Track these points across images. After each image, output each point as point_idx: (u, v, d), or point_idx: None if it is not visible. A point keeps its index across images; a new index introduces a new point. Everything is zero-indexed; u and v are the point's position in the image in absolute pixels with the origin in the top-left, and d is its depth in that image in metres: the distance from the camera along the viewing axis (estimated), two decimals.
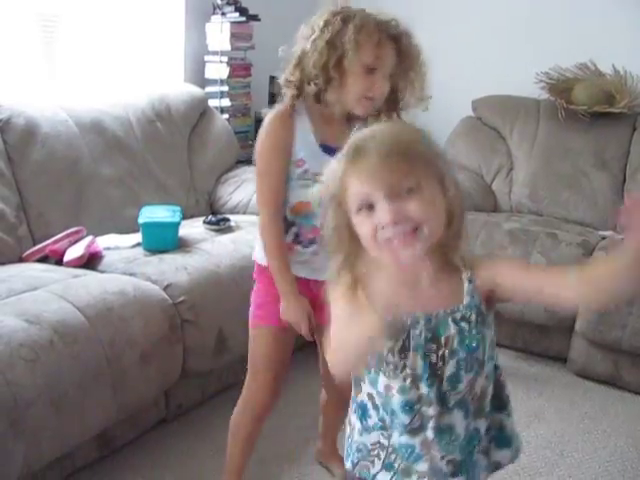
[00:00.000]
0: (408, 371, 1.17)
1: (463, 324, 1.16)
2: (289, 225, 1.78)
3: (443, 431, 1.19)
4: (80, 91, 3.15)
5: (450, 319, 1.16)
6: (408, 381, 1.17)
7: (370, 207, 1.12)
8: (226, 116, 3.71)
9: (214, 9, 3.76)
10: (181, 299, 2.35)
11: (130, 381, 2.14)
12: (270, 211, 1.77)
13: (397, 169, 1.10)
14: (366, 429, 1.26)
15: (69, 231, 2.63)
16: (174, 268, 2.46)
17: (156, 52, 3.66)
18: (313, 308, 1.80)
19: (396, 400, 1.19)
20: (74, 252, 2.52)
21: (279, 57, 1.79)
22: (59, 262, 2.52)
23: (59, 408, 1.89)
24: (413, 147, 1.14)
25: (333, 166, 1.20)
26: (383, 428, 1.23)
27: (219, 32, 3.69)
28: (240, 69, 3.80)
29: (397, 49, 1.74)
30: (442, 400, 1.18)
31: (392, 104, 1.80)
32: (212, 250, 2.63)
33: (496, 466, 1.28)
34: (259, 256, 1.89)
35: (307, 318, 1.78)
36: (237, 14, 3.71)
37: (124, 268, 2.47)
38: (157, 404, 2.42)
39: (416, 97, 1.82)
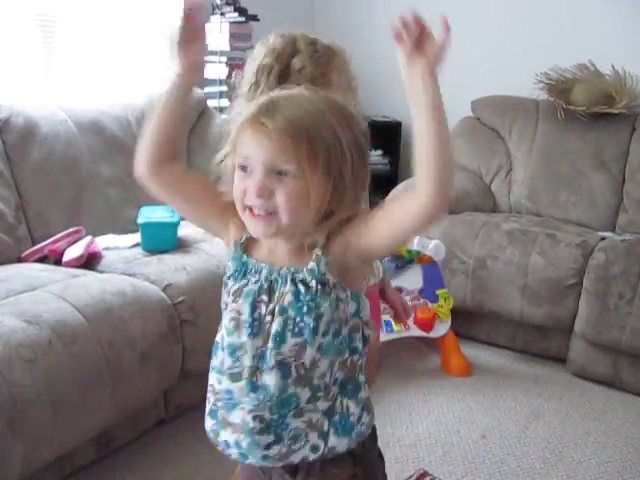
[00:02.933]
0: (234, 314, 1.18)
1: (301, 286, 1.14)
2: None
3: (256, 386, 1.17)
4: (79, 91, 3.16)
5: (290, 277, 1.15)
6: (232, 324, 1.18)
7: (246, 169, 1.12)
8: (225, 116, 3.70)
9: (213, 9, 3.76)
10: (180, 299, 2.35)
11: (129, 381, 2.14)
12: None
13: (285, 148, 1.08)
14: (210, 369, 1.28)
15: (68, 231, 2.63)
16: (173, 268, 2.45)
17: (154, 51, 3.65)
18: None
19: (225, 341, 1.21)
20: (73, 252, 2.52)
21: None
22: (58, 262, 2.52)
23: (58, 408, 1.89)
24: (316, 132, 1.09)
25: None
26: (220, 372, 1.24)
27: (218, 32, 3.69)
28: (239, 69, 3.79)
29: None
30: (262, 355, 1.16)
31: None
32: (211, 250, 2.63)
33: (330, 450, 1.20)
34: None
35: None
36: (236, 14, 3.71)
37: (123, 268, 2.47)
38: (156, 405, 2.42)
39: None
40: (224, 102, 3.74)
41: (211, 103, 3.67)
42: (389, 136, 4.30)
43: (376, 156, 4.27)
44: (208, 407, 1.28)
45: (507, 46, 4.03)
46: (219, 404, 1.25)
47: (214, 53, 3.74)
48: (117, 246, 2.67)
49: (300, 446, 1.18)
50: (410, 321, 2.95)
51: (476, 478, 2.27)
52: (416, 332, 2.99)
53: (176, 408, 2.51)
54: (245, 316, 1.17)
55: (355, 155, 1.12)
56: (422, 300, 3.00)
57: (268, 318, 1.15)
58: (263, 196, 1.10)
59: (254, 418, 1.17)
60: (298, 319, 1.14)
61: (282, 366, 1.15)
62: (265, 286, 1.16)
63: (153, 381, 2.25)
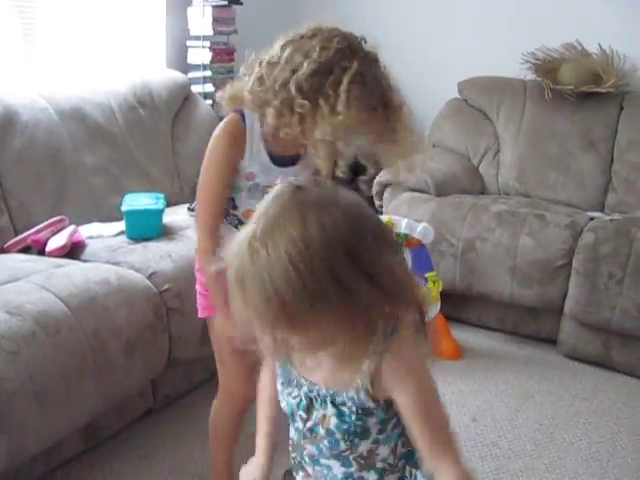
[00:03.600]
0: (287, 409, 1.17)
1: (343, 408, 1.09)
2: (239, 225, 1.68)
3: (320, 464, 1.17)
4: (60, 78, 3.09)
5: (329, 400, 1.10)
6: (288, 413, 1.18)
7: None
8: (209, 102, 3.66)
9: None
10: (166, 287, 2.32)
11: (115, 371, 2.11)
12: (207, 224, 1.66)
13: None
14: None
15: (51, 220, 2.59)
16: (158, 256, 2.42)
17: (137, 37, 3.60)
18: None
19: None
20: (56, 242, 2.48)
21: (246, 63, 1.62)
22: (41, 252, 2.48)
23: (43, 400, 1.86)
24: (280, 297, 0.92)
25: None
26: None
27: (201, 16, 3.65)
28: (223, 54, 3.75)
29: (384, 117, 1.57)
30: (316, 449, 1.15)
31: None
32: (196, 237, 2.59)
33: None
34: None
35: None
36: None
37: (107, 257, 2.44)
38: (144, 394, 2.40)
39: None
40: (208, 87, 3.70)
41: (195, 88, 3.63)
42: None
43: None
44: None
45: (493, 26, 3.98)
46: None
47: (197, 38, 3.69)
48: (101, 235, 2.63)
49: None
50: None
51: (467, 461, 2.23)
52: None
53: (164, 397, 2.49)
54: (289, 421, 1.18)
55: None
56: None
57: (307, 434, 1.14)
58: None
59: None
60: (346, 435, 1.10)
61: (339, 459, 1.14)
62: (304, 403, 1.13)
63: (140, 370, 2.22)
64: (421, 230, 2.91)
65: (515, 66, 3.72)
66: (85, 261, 2.43)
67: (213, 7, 3.64)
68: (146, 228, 2.60)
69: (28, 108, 2.75)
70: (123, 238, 2.60)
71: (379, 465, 1.15)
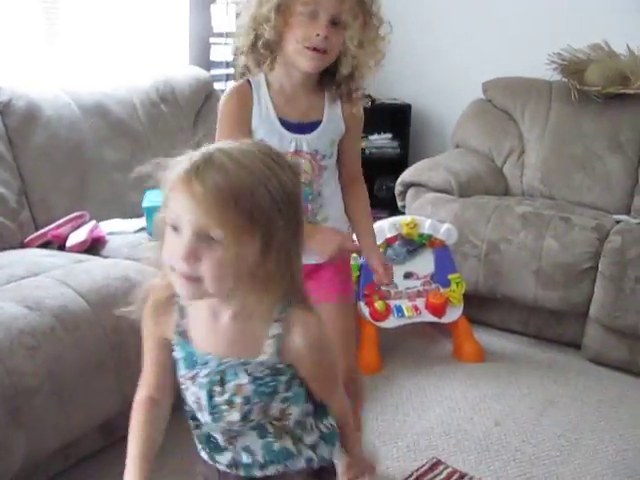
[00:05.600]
0: (195, 398, 1.16)
1: (258, 373, 1.12)
2: None
3: (241, 451, 1.20)
4: (83, 74, 3.08)
5: (242, 369, 1.12)
6: (195, 406, 1.18)
7: (177, 229, 1.04)
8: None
9: None
10: None
11: (134, 369, 2.07)
12: None
13: (214, 213, 0.99)
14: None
15: (72, 216, 2.58)
16: None
17: (160, 34, 3.59)
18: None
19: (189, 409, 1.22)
20: (77, 237, 2.47)
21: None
22: (61, 247, 2.47)
23: (61, 397, 1.84)
24: (248, 197, 1.00)
25: (175, 166, 1.08)
26: (194, 418, 1.23)
27: (224, 14, 3.63)
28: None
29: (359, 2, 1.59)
30: (230, 430, 1.17)
31: (350, 81, 1.69)
32: None
33: (321, 460, 1.24)
34: None
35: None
36: None
37: (128, 253, 2.42)
38: None
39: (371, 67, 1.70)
40: (230, 85, 3.67)
41: (217, 86, 3.61)
42: (398, 119, 4.21)
43: (385, 139, 4.19)
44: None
45: (519, 26, 3.94)
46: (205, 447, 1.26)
47: (220, 35, 3.67)
48: (122, 231, 2.62)
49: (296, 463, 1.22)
50: (422, 306, 2.90)
51: (490, 466, 2.22)
52: (428, 317, 2.92)
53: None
54: (204, 402, 1.15)
55: (289, 217, 1.05)
56: (434, 285, 2.94)
57: (225, 407, 1.14)
58: (188, 261, 1.02)
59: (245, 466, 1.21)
60: (259, 400, 1.13)
61: (255, 427, 1.17)
62: (217, 379, 1.13)
63: None
64: (444, 231, 2.87)
65: (541, 67, 3.67)
66: (105, 257, 2.41)
67: (236, 4, 3.62)
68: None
69: (51, 103, 2.74)
70: (144, 234, 2.58)
71: (295, 430, 1.19)
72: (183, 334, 1.16)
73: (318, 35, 1.56)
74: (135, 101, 3.09)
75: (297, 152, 1.67)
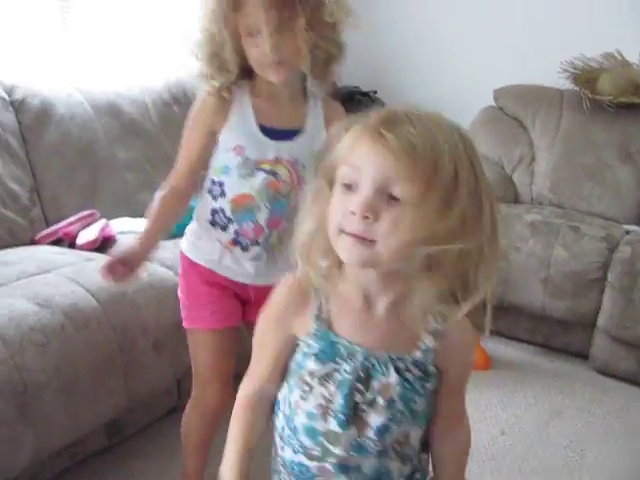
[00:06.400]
0: (322, 400, 1.04)
1: (408, 375, 1.03)
2: (227, 222, 1.64)
3: (347, 470, 1.06)
4: (96, 73, 3.10)
5: (392, 366, 1.03)
6: (319, 411, 1.05)
7: (351, 188, 0.97)
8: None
9: None
10: None
11: (142, 368, 2.10)
12: (173, 184, 1.70)
13: (403, 167, 0.92)
14: (273, 429, 1.15)
15: (82, 214, 2.59)
16: None
17: (173, 35, 3.59)
18: (247, 305, 1.72)
19: (300, 420, 1.08)
20: (87, 235, 2.48)
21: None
22: (72, 245, 2.48)
23: (70, 394, 1.85)
24: (437, 156, 0.93)
25: (351, 126, 1.01)
26: (290, 445, 1.10)
27: None
28: None
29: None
30: (358, 446, 1.05)
31: (323, 65, 1.58)
32: None
33: None
34: (184, 246, 1.78)
35: None
36: None
37: None
38: (169, 392, 2.37)
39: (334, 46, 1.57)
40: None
41: None
42: (364, 106, 4.19)
43: None
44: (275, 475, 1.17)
45: (531, 34, 3.93)
46: (281, 468, 1.14)
47: None
48: (132, 230, 2.62)
49: None
50: None
51: (496, 476, 2.21)
52: None
53: (188, 396, 2.47)
54: (337, 406, 1.03)
55: (474, 202, 0.97)
56: None
57: (364, 407, 1.03)
58: (366, 219, 0.93)
59: None
60: (405, 409, 1.04)
61: (382, 453, 1.06)
62: (362, 375, 1.03)
63: (166, 368, 2.20)
64: None
65: (552, 75, 3.66)
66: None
67: None
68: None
69: (64, 101, 2.75)
70: None
71: (407, 452, 1.09)
72: (326, 322, 1.05)
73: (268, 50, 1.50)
74: (147, 101, 3.10)
75: (277, 160, 1.59)
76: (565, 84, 3.68)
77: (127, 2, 3.35)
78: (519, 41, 3.96)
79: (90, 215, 2.60)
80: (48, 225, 2.58)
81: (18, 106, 2.61)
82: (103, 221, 2.58)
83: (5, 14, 2.88)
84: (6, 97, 2.61)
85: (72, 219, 2.56)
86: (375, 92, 4.11)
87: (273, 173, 1.59)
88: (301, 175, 1.61)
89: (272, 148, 1.59)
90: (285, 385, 1.12)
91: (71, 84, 2.85)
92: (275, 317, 1.10)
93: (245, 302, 1.74)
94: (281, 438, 1.13)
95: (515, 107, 3.76)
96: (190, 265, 1.75)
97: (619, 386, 2.83)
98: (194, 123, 1.66)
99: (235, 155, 1.59)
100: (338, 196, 0.99)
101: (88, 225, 2.55)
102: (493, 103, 3.86)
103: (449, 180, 0.94)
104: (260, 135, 1.59)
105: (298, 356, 1.08)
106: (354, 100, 4.01)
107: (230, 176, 1.61)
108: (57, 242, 2.51)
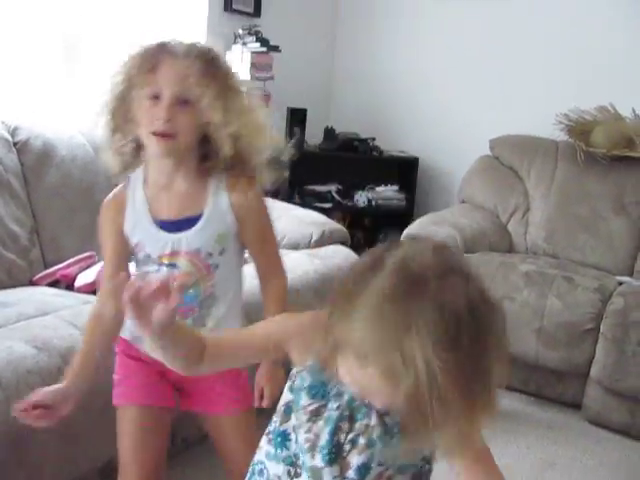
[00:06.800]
0: (311, 435, 1.07)
1: (388, 420, 1.04)
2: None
3: None
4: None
5: (374, 411, 1.04)
6: (307, 445, 1.07)
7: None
8: None
9: (235, 38, 3.77)
10: None
11: None
12: (97, 305, 1.66)
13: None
14: (276, 457, 1.14)
15: (81, 256, 2.60)
16: None
17: None
18: (180, 390, 1.67)
19: (282, 455, 1.12)
20: (85, 278, 2.49)
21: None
22: (69, 287, 2.49)
23: (64, 437, 1.84)
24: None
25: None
26: (293, 464, 1.12)
27: (240, 61, 3.70)
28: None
29: (203, 71, 1.46)
30: None
31: (239, 163, 1.53)
32: None
33: None
34: None
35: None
36: (258, 44, 3.72)
37: None
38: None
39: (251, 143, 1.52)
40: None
41: None
42: (406, 171, 4.27)
43: (391, 191, 4.22)
44: None
45: (527, 86, 4.02)
46: None
47: None
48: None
49: None
50: None
51: None
52: None
53: (182, 441, 2.46)
54: (323, 442, 1.06)
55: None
56: None
57: (347, 447, 1.06)
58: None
59: None
60: (387, 450, 1.05)
61: None
62: (346, 414, 1.05)
63: None
64: None
65: (547, 126, 3.73)
66: None
67: (252, 53, 3.70)
68: None
69: (66, 143, 2.79)
70: None
71: None
72: (321, 360, 1.05)
73: (160, 119, 1.44)
74: None
75: (173, 253, 1.53)
76: (560, 135, 3.75)
77: (130, 45, 3.40)
78: (515, 92, 4.05)
79: (88, 257, 2.61)
80: (46, 266, 2.59)
81: (21, 147, 2.65)
82: (101, 264, 2.58)
83: (9, 55, 2.93)
84: (9, 138, 2.64)
85: (70, 261, 2.57)
86: (374, 139, 4.16)
87: (173, 266, 1.54)
88: (211, 263, 1.55)
89: (169, 241, 1.54)
90: (294, 414, 1.12)
91: (73, 126, 2.89)
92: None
93: (179, 390, 1.69)
94: (293, 464, 1.13)
95: (511, 157, 3.82)
96: (120, 342, 1.69)
97: (612, 437, 2.83)
98: (102, 229, 1.63)
99: (138, 252, 1.58)
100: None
101: (86, 267, 2.56)
102: (489, 152, 3.91)
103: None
104: (155, 230, 1.54)
105: (292, 387, 1.12)
106: (352, 146, 4.08)
107: (140, 270, 1.61)
108: (54, 284, 2.52)
